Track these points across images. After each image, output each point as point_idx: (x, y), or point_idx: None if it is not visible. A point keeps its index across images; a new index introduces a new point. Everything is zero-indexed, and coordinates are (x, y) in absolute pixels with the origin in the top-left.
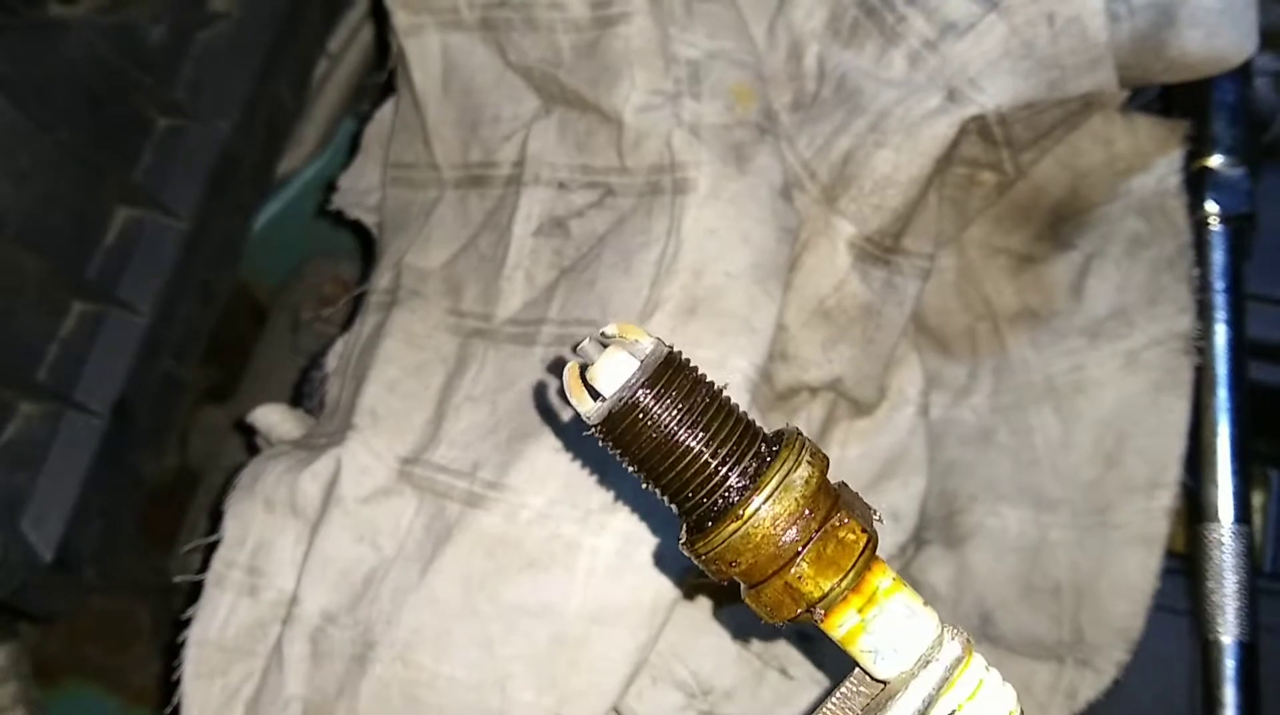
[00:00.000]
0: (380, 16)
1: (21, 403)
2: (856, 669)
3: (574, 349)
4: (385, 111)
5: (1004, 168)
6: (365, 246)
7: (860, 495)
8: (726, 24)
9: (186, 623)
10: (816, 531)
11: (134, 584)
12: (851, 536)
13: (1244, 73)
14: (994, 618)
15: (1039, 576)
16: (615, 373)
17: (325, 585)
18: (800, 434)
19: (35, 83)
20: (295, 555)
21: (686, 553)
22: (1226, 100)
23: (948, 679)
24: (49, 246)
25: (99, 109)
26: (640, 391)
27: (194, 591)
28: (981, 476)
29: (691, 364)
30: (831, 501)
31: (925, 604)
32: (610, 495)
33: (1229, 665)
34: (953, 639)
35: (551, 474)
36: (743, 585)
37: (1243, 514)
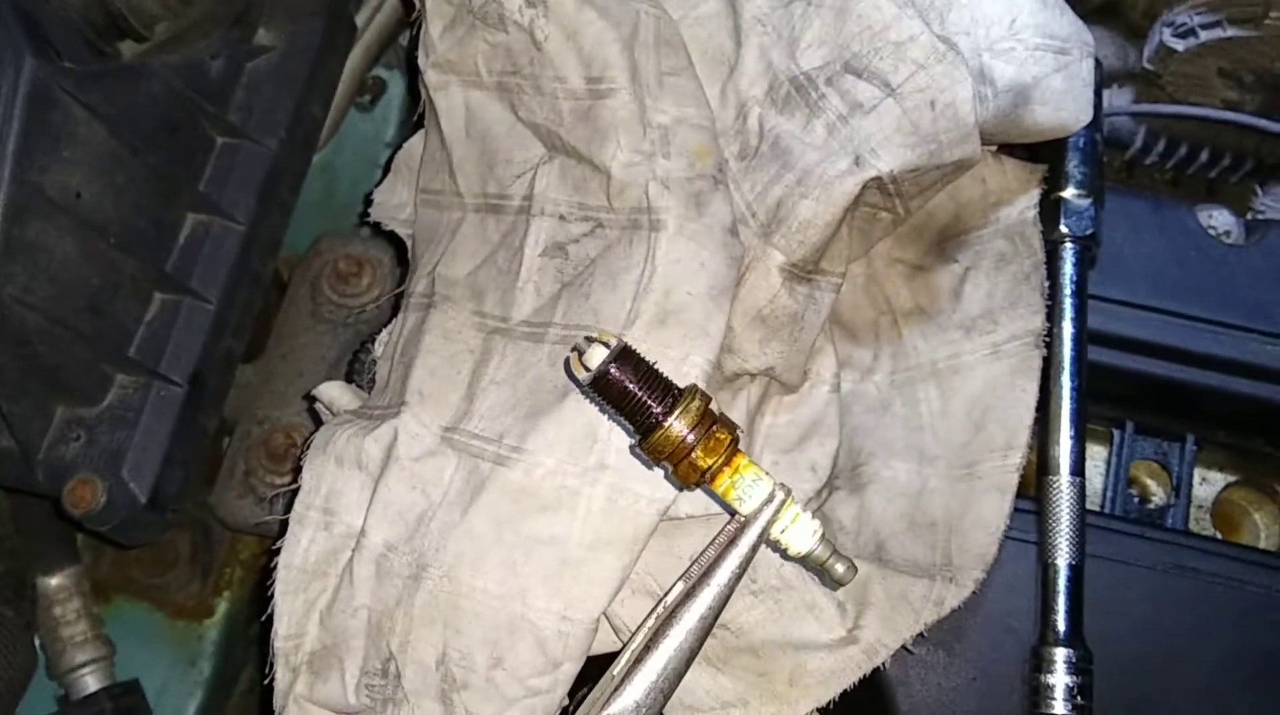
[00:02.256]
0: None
1: (119, 374)
2: (734, 513)
3: (574, 348)
4: (414, 142)
5: (897, 211)
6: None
7: (735, 421)
8: (689, 94)
9: (276, 552)
10: (703, 434)
11: (177, 516)
12: (723, 436)
13: (1094, 122)
14: (886, 546)
15: (920, 515)
16: (595, 357)
17: (386, 523)
18: (696, 387)
19: (128, 115)
20: (361, 500)
21: (640, 451)
22: (1079, 144)
23: (778, 512)
24: (137, 248)
25: (174, 134)
26: (609, 366)
27: (280, 528)
28: (879, 438)
29: (638, 353)
30: (712, 419)
31: (766, 474)
32: (601, 458)
33: (1062, 582)
34: (781, 492)
35: (558, 442)
36: (669, 468)
37: (1077, 468)
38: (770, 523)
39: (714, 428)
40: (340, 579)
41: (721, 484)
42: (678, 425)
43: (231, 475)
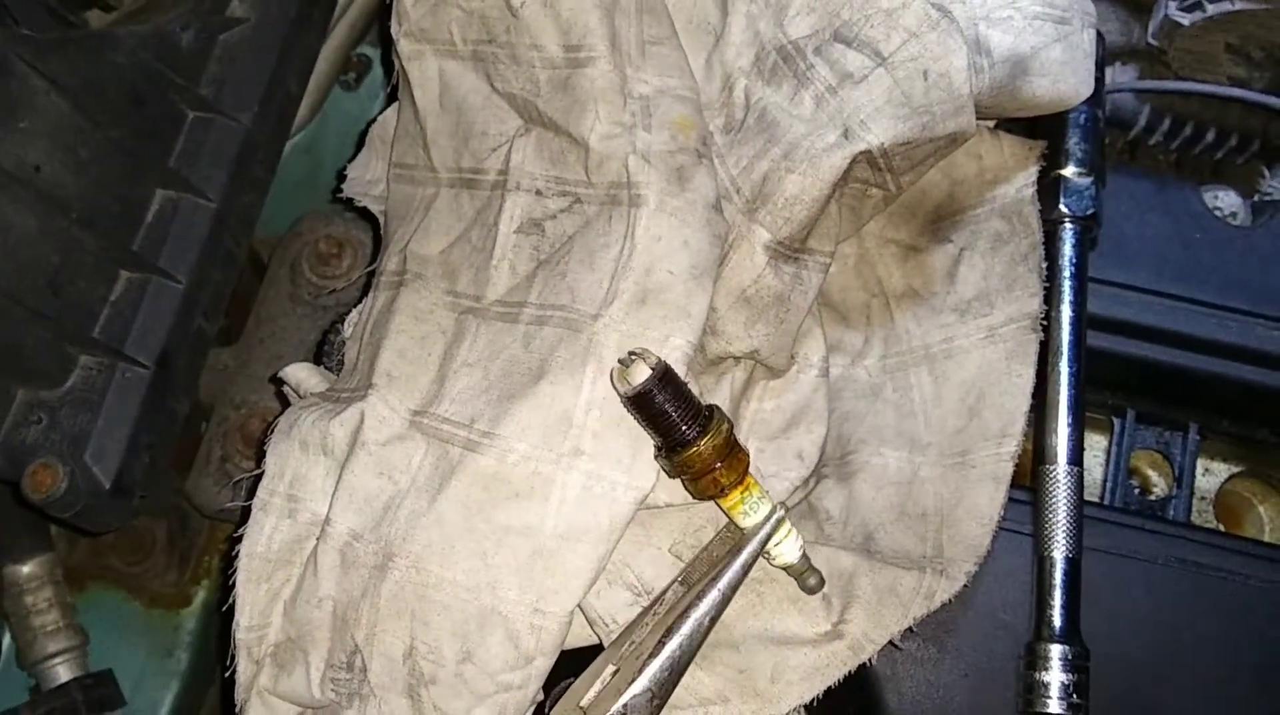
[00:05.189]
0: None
1: (82, 356)
2: (731, 522)
3: (619, 360)
4: (388, 115)
5: (888, 187)
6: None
7: (745, 446)
8: (672, 64)
9: (239, 540)
10: (727, 455)
11: (152, 503)
12: (744, 456)
13: (1095, 98)
14: (874, 536)
15: (910, 505)
16: (638, 374)
17: (352, 510)
18: (721, 410)
19: (91, 87)
20: (326, 486)
21: (663, 465)
22: (1079, 121)
23: (774, 528)
24: (102, 225)
25: (141, 106)
26: (650, 384)
27: (243, 515)
28: (869, 424)
29: (676, 373)
30: (734, 442)
31: (767, 494)
32: (576, 444)
33: (1058, 576)
34: (780, 511)
35: (531, 426)
36: (690, 481)
37: (1075, 457)
38: (769, 536)
39: (736, 450)
40: (304, 568)
41: (732, 499)
42: (707, 447)
43: (208, 461)
